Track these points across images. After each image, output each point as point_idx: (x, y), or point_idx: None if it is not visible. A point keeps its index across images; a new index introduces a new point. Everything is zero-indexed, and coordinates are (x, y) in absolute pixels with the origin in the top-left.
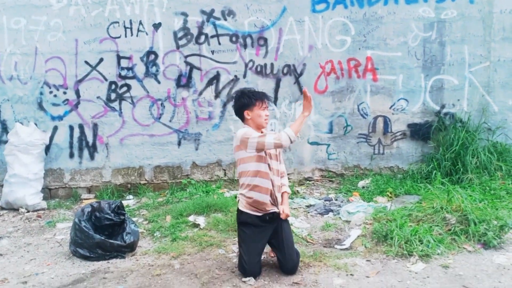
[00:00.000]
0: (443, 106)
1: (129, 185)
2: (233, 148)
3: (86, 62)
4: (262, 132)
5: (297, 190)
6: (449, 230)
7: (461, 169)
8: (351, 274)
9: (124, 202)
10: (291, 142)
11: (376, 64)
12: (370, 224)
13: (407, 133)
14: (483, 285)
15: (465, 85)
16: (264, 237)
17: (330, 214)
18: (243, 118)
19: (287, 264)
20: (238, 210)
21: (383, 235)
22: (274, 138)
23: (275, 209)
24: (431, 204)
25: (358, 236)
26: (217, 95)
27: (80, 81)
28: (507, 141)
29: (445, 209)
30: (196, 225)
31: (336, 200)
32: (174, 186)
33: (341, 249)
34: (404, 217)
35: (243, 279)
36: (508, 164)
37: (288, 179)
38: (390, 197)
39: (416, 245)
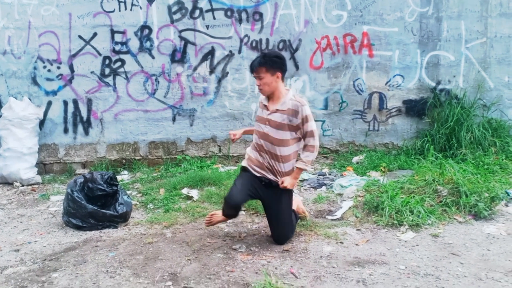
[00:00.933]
0: (438, 82)
1: (123, 161)
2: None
3: (80, 37)
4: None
5: None
6: (441, 201)
7: (456, 144)
8: (340, 242)
9: (119, 177)
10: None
11: (372, 40)
12: (362, 196)
13: (402, 109)
14: (471, 253)
15: (461, 61)
16: (256, 186)
17: (323, 187)
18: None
19: (274, 235)
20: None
21: (374, 206)
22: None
23: (270, 177)
24: (423, 177)
25: (350, 207)
26: (212, 71)
27: (74, 55)
28: (502, 117)
29: (437, 181)
30: (189, 198)
31: (330, 174)
32: (169, 162)
33: (332, 220)
34: (396, 189)
35: (234, 246)
36: (502, 139)
37: None
38: (384, 171)
39: (407, 215)
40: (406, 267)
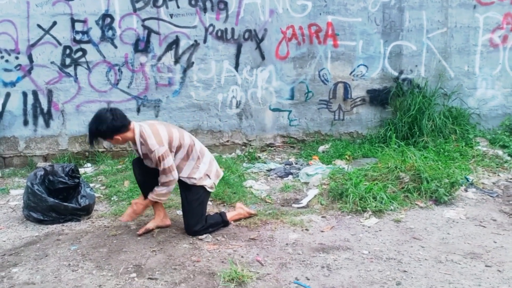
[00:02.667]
0: (401, 72)
1: (87, 153)
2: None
3: (39, 26)
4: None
5: (259, 156)
6: (403, 188)
7: (417, 132)
8: (306, 229)
9: (82, 170)
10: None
11: (337, 30)
12: (327, 184)
13: (366, 99)
14: (432, 237)
15: (423, 51)
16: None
17: (290, 177)
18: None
19: (185, 221)
20: None
21: (338, 193)
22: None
23: None
24: (386, 164)
25: (315, 195)
26: (177, 61)
27: (32, 45)
28: (462, 105)
29: (399, 168)
30: None
31: (296, 164)
32: (134, 154)
33: (298, 208)
34: (360, 176)
35: (200, 236)
36: (462, 127)
37: (250, 146)
38: (349, 160)
39: (370, 201)
40: (369, 252)
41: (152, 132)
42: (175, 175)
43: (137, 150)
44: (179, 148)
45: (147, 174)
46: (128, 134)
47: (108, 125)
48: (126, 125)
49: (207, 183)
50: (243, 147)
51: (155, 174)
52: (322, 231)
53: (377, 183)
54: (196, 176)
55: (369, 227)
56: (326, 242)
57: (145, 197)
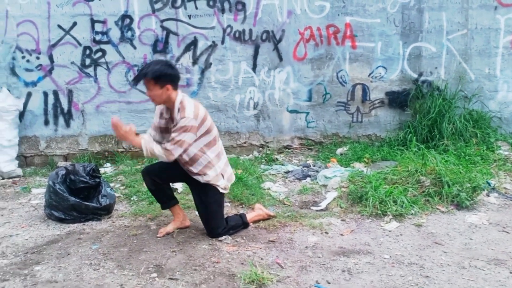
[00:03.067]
0: (420, 74)
1: (106, 153)
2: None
3: (59, 26)
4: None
5: (276, 158)
6: (423, 192)
7: (437, 136)
8: (325, 233)
9: (102, 170)
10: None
11: (355, 31)
12: (346, 187)
13: (385, 101)
14: (454, 242)
15: (442, 53)
16: (181, 172)
17: (308, 179)
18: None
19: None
20: None
21: (358, 197)
22: None
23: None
24: (406, 168)
25: (334, 198)
26: (195, 62)
27: (53, 45)
28: (482, 108)
29: (419, 172)
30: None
31: (314, 166)
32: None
33: (317, 210)
34: (380, 179)
35: (219, 238)
36: (483, 131)
37: (268, 147)
38: (367, 163)
39: (390, 205)
40: (390, 257)
41: (194, 104)
42: (177, 153)
43: (166, 119)
44: (207, 132)
45: (158, 184)
46: (173, 94)
47: (173, 70)
48: (178, 84)
49: (221, 184)
50: (260, 148)
51: (166, 181)
52: (342, 235)
53: (397, 187)
54: (211, 174)
55: (389, 231)
56: (346, 246)
57: (161, 204)
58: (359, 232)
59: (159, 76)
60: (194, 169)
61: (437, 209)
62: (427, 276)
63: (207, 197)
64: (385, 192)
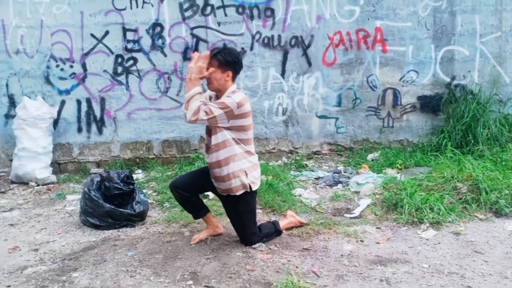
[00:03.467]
0: (453, 78)
1: (137, 160)
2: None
3: (92, 35)
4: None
5: (306, 164)
6: (460, 198)
7: (472, 141)
8: (361, 241)
9: (133, 176)
10: (185, 111)
11: (386, 35)
12: (379, 193)
13: (417, 105)
14: (495, 251)
15: (476, 56)
16: (208, 182)
17: (339, 185)
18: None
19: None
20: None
21: (393, 204)
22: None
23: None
24: (441, 174)
25: (368, 205)
26: None
27: (86, 54)
28: None
29: (455, 178)
30: (205, 196)
31: (345, 172)
32: (183, 161)
33: (351, 218)
34: (415, 186)
35: (253, 245)
36: None
37: (297, 153)
38: (400, 169)
39: (427, 212)
40: (429, 266)
41: (243, 97)
42: (200, 117)
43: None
44: (242, 128)
45: (186, 197)
46: (229, 83)
47: (239, 61)
48: (236, 76)
49: (245, 181)
50: (289, 154)
51: (194, 192)
52: (377, 243)
53: (433, 194)
54: (247, 177)
55: (427, 239)
56: (383, 254)
57: (192, 214)
58: (396, 240)
59: (226, 61)
60: (229, 169)
61: (475, 216)
62: (469, 286)
63: (239, 206)
64: (421, 199)
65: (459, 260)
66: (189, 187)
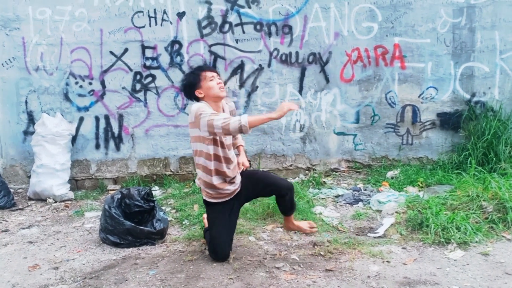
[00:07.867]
0: (473, 95)
1: (154, 176)
2: (188, 124)
3: (111, 52)
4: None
5: (324, 181)
6: (486, 218)
7: (494, 158)
8: (387, 261)
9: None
10: (241, 131)
11: (404, 52)
12: (403, 212)
13: (436, 122)
14: None
15: (496, 73)
16: (234, 213)
17: (360, 203)
18: (198, 99)
19: (281, 185)
20: (204, 200)
21: (418, 223)
22: (223, 120)
23: (235, 187)
24: (466, 192)
25: (392, 224)
26: (241, 85)
27: (105, 71)
28: None
29: (481, 197)
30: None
31: (365, 190)
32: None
33: (375, 237)
34: (439, 205)
35: (276, 265)
36: None
37: (314, 170)
38: (421, 187)
39: (454, 232)
40: None
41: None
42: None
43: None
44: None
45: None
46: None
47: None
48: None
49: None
50: (307, 171)
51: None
52: (404, 264)
53: (458, 213)
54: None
55: (455, 260)
56: (410, 276)
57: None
58: (423, 261)
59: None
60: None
61: (503, 236)
62: None
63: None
64: (447, 218)
65: (490, 282)
66: (231, 238)
